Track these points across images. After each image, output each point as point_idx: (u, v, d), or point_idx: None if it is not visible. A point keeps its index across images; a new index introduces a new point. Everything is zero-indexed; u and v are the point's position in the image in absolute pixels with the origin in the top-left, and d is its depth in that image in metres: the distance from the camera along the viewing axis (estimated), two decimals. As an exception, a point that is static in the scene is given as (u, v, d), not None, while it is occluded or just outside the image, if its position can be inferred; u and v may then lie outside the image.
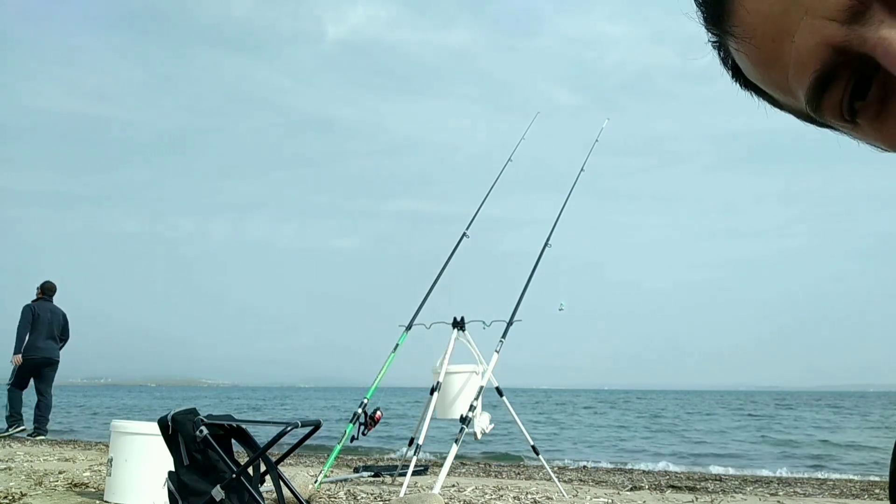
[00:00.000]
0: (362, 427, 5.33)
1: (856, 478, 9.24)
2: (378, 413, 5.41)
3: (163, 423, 3.50)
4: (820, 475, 9.45)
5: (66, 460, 6.74)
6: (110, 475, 4.32)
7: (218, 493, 3.32)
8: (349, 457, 8.69)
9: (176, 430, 3.46)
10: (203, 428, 3.41)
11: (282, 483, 3.66)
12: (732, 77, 0.52)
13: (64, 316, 9.74)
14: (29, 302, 9.62)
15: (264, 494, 3.60)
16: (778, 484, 7.74)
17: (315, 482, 4.87)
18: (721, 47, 0.51)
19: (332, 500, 4.76)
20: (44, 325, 9.42)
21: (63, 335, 9.71)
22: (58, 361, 9.66)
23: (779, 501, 5.62)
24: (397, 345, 5.76)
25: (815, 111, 0.46)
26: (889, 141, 0.46)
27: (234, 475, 3.39)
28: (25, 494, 4.46)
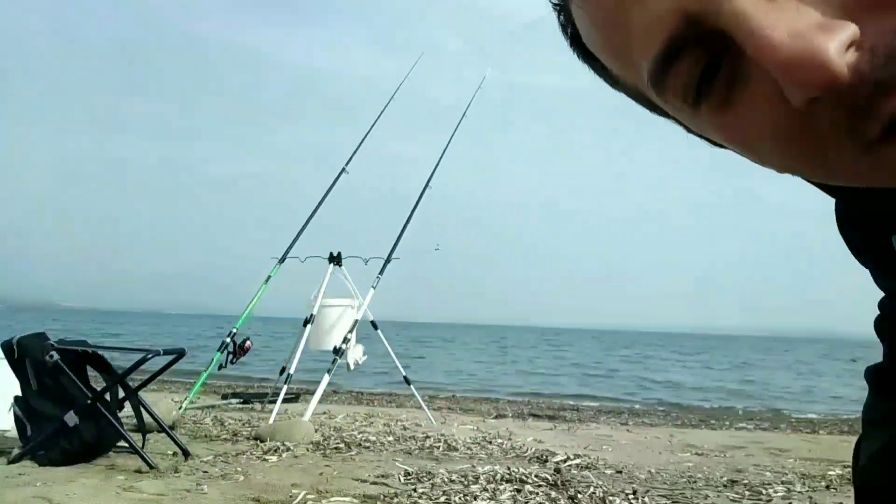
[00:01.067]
0: (231, 356, 5.22)
1: (694, 405, 10.23)
2: (248, 343, 5.31)
3: (7, 347, 3.26)
4: (664, 408, 10.35)
5: None
6: (-53, 401, 3.99)
7: (71, 418, 3.15)
8: (218, 384, 8.53)
9: (22, 355, 3.24)
10: (53, 353, 3.21)
11: (142, 409, 3.52)
12: (571, 45, 0.45)
13: None
14: None
15: (124, 421, 3.46)
16: (629, 414, 8.41)
17: (180, 408, 4.74)
18: (563, 11, 0.44)
19: (199, 425, 4.65)
20: None
21: None
22: None
23: (628, 430, 6.10)
24: (269, 276, 5.65)
25: (656, 86, 0.39)
26: (726, 134, 0.39)
27: (89, 401, 3.23)
28: None
